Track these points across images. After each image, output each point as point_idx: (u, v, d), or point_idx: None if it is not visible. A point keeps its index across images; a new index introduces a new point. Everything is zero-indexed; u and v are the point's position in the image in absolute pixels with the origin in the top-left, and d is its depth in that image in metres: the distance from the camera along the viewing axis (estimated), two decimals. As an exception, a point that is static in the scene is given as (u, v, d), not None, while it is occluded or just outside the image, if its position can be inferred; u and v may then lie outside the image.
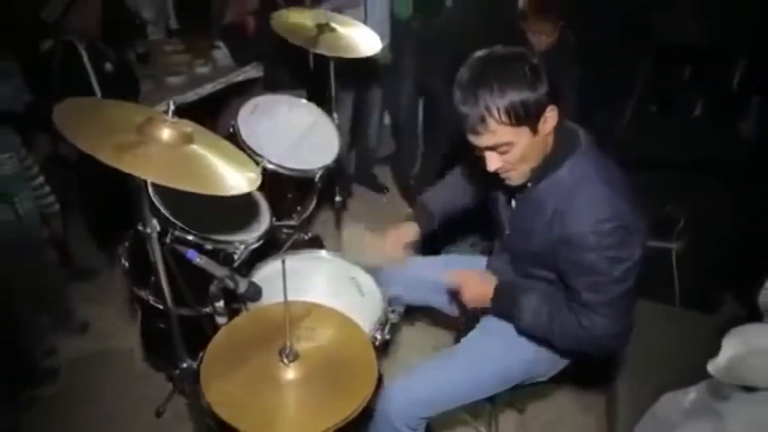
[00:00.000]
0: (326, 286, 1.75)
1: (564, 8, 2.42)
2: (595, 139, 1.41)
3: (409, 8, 3.06)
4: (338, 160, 2.32)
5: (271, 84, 3.08)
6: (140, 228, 1.38)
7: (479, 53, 1.29)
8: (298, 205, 2.31)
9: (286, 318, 1.19)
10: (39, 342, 2.43)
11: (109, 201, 2.02)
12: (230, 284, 1.37)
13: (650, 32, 2.95)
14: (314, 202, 2.35)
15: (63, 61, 2.42)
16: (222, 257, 1.77)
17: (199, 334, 1.57)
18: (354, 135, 3.45)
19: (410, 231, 1.78)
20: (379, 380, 1.69)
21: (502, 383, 1.63)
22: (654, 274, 2.35)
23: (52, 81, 2.42)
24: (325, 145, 2.32)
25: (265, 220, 1.96)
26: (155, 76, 3.02)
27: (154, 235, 1.38)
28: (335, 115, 2.44)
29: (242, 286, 1.38)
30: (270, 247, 1.96)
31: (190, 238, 1.71)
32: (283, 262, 1.16)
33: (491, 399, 1.71)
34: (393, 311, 1.66)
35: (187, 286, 1.54)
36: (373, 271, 1.78)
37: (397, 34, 3.11)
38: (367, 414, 1.55)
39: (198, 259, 1.38)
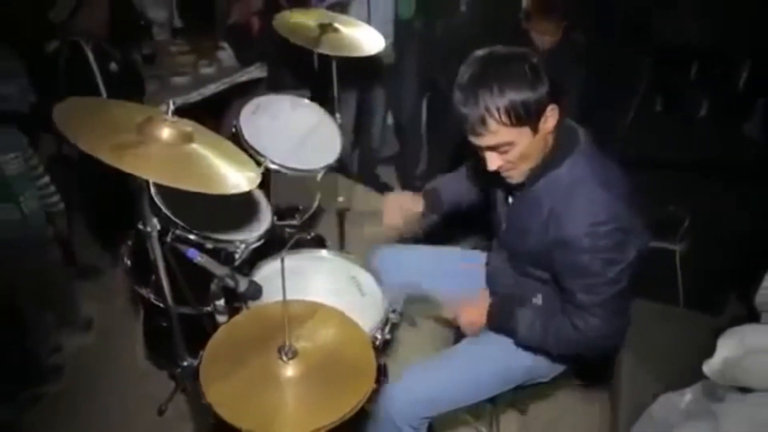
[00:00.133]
0: (327, 285, 1.76)
1: (567, 8, 2.42)
2: (600, 139, 1.40)
3: (411, 8, 3.06)
4: (341, 160, 2.32)
5: (275, 84, 3.10)
6: (141, 227, 1.39)
7: (479, 52, 1.28)
8: (301, 205, 2.32)
9: (284, 316, 1.20)
10: (44, 340, 2.45)
11: (111, 200, 2.04)
12: (230, 283, 1.38)
13: (653, 32, 2.94)
14: (317, 202, 2.36)
15: (69, 61, 2.44)
16: (223, 256, 1.78)
17: (200, 332, 1.57)
18: (357, 135, 3.46)
19: (412, 200, 1.77)
20: (385, 376, 1.69)
21: (503, 384, 1.63)
22: (658, 274, 2.37)
23: (58, 81, 2.44)
24: (328, 144, 2.33)
25: (266, 220, 1.96)
26: (160, 76, 3.04)
27: (155, 234, 1.39)
28: (338, 115, 2.45)
29: (242, 285, 1.39)
30: (272, 246, 1.96)
31: (191, 237, 1.71)
32: (282, 260, 1.17)
33: (492, 399, 1.71)
34: (393, 311, 1.67)
35: (188, 285, 1.55)
36: (374, 270, 1.78)
37: (401, 33, 3.11)
38: (365, 412, 1.56)
39: (198, 258, 1.39)
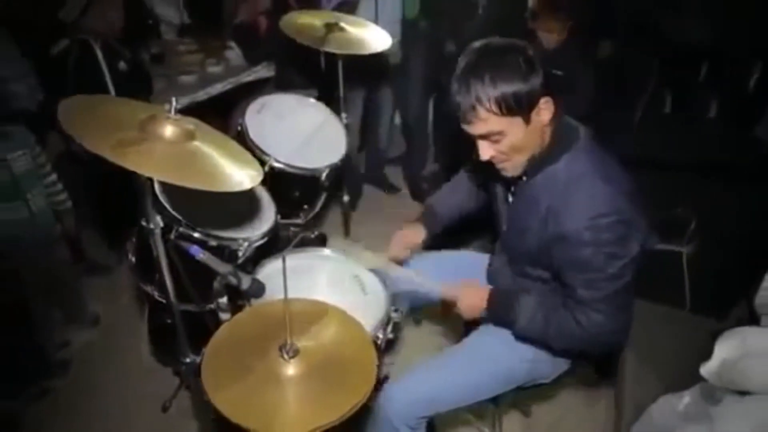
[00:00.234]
0: (329, 284, 1.76)
1: (574, 7, 2.41)
2: (607, 138, 1.39)
3: (415, 8, 3.06)
4: (346, 159, 2.32)
5: (282, 83, 3.10)
6: (144, 224, 1.39)
7: (476, 44, 1.29)
8: (305, 204, 2.33)
9: (286, 314, 1.20)
10: (52, 335, 2.47)
11: (118, 198, 2.05)
12: (233, 281, 1.39)
13: (661, 33, 2.92)
14: (321, 201, 2.36)
15: (78, 60, 2.45)
16: (226, 254, 1.78)
17: (204, 329, 1.58)
18: (365, 135, 3.46)
19: (415, 233, 1.78)
20: (386, 379, 1.69)
21: (504, 384, 1.62)
22: (665, 276, 2.35)
23: (67, 80, 2.45)
24: (333, 144, 2.33)
25: (269, 218, 1.96)
26: (168, 75, 3.06)
27: (158, 231, 1.39)
28: (344, 115, 2.45)
29: (245, 283, 1.39)
30: (276, 245, 1.97)
31: (194, 234, 1.72)
32: (283, 258, 1.17)
33: (494, 400, 1.70)
34: (396, 310, 1.66)
35: (191, 282, 1.56)
36: (378, 269, 1.78)
37: (407, 33, 3.11)
38: (366, 411, 1.56)
39: (201, 255, 1.39)
